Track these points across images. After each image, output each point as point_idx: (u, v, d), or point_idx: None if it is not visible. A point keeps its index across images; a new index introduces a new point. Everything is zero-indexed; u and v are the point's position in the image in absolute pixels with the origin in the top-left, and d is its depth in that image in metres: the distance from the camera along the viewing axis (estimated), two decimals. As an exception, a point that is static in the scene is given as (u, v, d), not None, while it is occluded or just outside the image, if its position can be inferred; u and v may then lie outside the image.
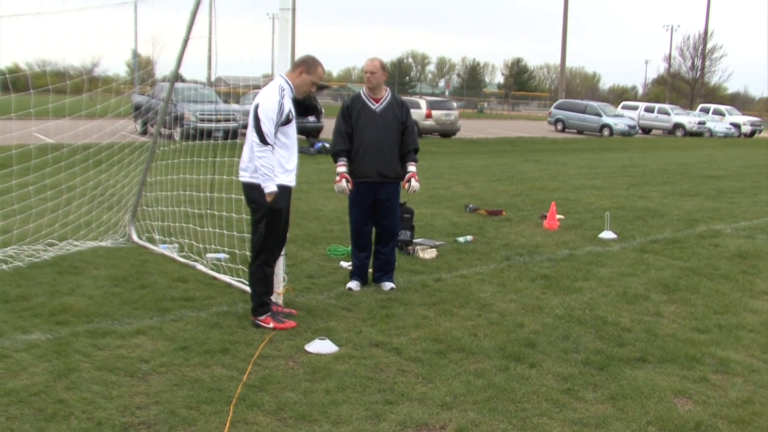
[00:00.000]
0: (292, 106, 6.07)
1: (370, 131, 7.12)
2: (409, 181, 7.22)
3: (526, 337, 5.97)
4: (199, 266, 7.76)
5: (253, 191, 6.00)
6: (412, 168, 7.26)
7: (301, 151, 22.59)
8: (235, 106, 18.78)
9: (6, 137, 8.97)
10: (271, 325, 6.02)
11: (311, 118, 24.71)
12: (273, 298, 6.40)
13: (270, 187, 5.87)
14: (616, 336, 6.08)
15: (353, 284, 7.37)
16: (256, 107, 5.89)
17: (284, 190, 6.02)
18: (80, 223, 8.84)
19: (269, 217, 6.02)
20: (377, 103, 7.18)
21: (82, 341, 5.51)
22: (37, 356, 5.21)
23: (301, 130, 24.36)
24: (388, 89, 7.34)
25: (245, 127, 6.12)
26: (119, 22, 7.81)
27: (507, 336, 5.98)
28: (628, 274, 8.17)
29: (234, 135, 8.46)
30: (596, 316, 6.58)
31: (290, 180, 6.11)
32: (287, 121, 5.98)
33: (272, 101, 5.88)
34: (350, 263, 7.92)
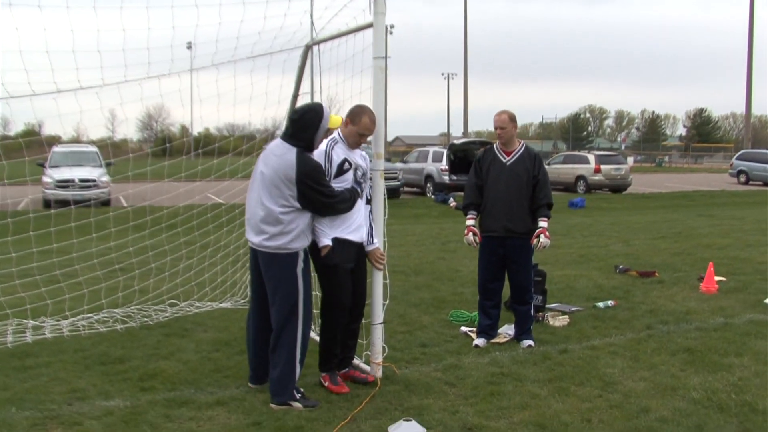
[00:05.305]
0: (350, 157, 5.68)
1: (499, 184, 7.03)
2: (538, 236, 6.91)
3: (649, 425, 5.05)
4: (313, 335, 7.37)
5: (311, 248, 5.65)
6: (543, 224, 6.98)
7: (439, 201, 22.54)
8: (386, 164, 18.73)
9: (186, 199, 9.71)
10: (326, 384, 5.75)
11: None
12: (370, 368, 5.99)
13: (322, 242, 5.51)
14: (765, 429, 5.03)
15: (480, 341, 7.17)
16: None
17: (343, 245, 5.60)
18: (201, 282, 8.79)
19: (322, 274, 5.66)
20: (508, 156, 7.08)
21: (157, 411, 5.25)
22: (107, 425, 5.00)
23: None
24: (523, 142, 7.22)
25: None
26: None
27: (626, 423, 5.10)
28: (795, 349, 6.95)
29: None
30: (743, 402, 5.51)
31: (349, 234, 5.66)
32: (341, 172, 5.59)
33: (319, 152, 5.59)
34: (471, 329, 7.61)
